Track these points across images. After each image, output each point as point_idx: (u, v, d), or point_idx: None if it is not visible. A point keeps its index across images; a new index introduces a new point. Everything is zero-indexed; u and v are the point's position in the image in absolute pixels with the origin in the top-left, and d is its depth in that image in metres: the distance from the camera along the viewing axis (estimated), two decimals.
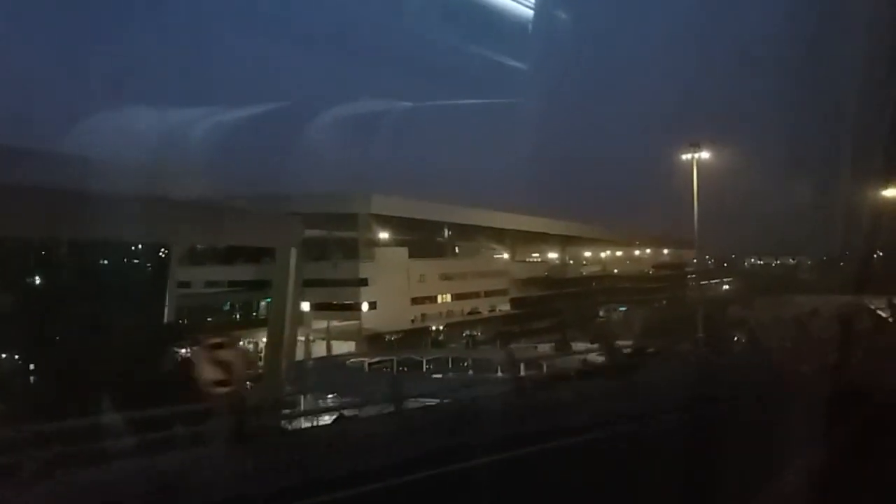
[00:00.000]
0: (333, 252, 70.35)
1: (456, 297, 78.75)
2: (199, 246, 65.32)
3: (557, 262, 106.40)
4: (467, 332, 68.75)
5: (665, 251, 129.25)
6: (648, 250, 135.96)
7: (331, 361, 53.26)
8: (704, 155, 58.07)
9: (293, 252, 40.94)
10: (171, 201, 38.15)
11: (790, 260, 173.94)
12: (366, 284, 66.62)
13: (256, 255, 74.26)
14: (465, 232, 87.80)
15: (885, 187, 74.80)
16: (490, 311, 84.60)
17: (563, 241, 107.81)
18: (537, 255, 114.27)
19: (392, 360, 55.53)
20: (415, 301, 72.38)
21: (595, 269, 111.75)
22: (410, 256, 73.37)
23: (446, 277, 77.88)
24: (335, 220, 72.62)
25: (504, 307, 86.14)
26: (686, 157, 57.96)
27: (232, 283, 70.73)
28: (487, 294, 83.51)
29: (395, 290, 68.40)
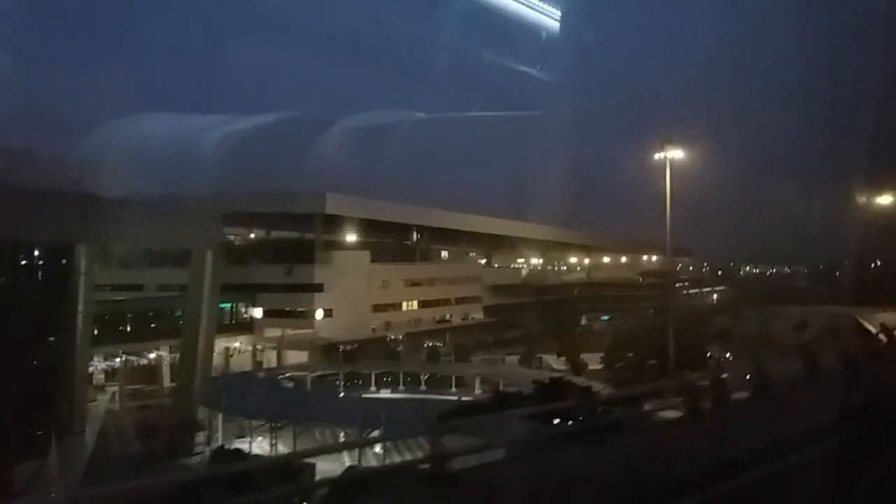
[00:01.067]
0: (287, 255, 66.09)
1: (424, 304, 74.22)
2: (102, 245, 60.84)
3: (538, 268, 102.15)
4: (429, 343, 64.12)
5: (654, 258, 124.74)
6: (645, 257, 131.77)
7: (258, 376, 48.62)
8: (678, 154, 53.88)
9: (209, 255, 36.64)
10: (71, 195, 33.96)
11: (785, 268, 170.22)
12: (321, 290, 62.12)
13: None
14: (439, 236, 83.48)
15: (880, 195, 70.48)
16: (463, 319, 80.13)
17: (546, 247, 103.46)
18: (522, 260, 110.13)
19: (337, 375, 51.15)
20: (377, 308, 67.84)
21: (579, 275, 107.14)
22: (374, 261, 68.89)
23: (413, 283, 73.37)
24: (288, 220, 68.40)
25: (478, 315, 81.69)
26: (658, 156, 53.77)
27: (161, 287, 66.58)
28: (459, 301, 78.98)
29: (354, 297, 63.89)
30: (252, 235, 73.27)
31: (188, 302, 39.15)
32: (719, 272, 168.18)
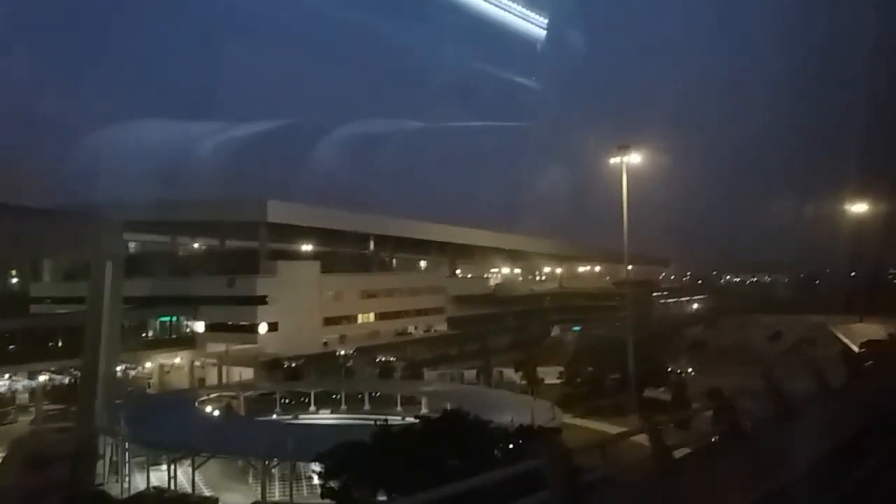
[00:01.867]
0: (232, 265, 62.43)
1: (382, 316, 70.55)
2: None
3: (514, 278, 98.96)
4: (381, 358, 60.47)
5: (631, 267, 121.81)
6: (631, 266, 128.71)
7: (169, 399, 44.69)
8: (635, 159, 50.93)
9: (109, 266, 33.02)
10: None
11: (766, 277, 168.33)
12: (264, 302, 58.35)
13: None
14: (402, 246, 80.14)
15: (858, 204, 68.09)
16: (425, 331, 76.61)
17: (518, 257, 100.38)
18: (496, 270, 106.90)
19: (273, 395, 47.30)
20: (329, 321, 64.10)
21: (552, 285, 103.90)
22: (327, 271, 65.23)
23: (370, 294, 69.70)
24: (233, 230, 64.80)
25: (441, 327, 78.19)
26: (615, 161, 50.80)
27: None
28: (421, 313, 75.39)
29: (302, 309, 60.18)
30: (196, 245, 69.49)
31: (88, 317, 35.37)
32: (699, 281, 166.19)
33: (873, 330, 64.33)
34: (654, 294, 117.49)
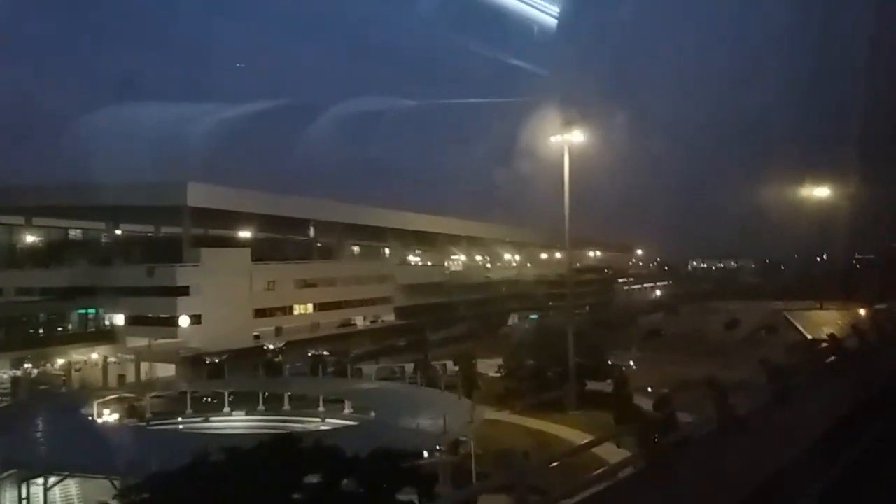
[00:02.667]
0: (156, 254, 58.09)
1: (322, 307, 66.59)
2: None
3: (466, 265, 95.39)
4: (311, 352, 56.60)
5: (595, 254, 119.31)
6: (598, 253, 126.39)
7: (57, 404, 40.32)
8: (578, 138, 47.22)
9: None
10: None
11: (732, 263, 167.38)
12: (186, 293, 54.06)
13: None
14: (350, 233, 76.09)
15: (827, 189, 66.00)
16: (372, 322, 73.00)
17: (477, 244, 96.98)
18: (460, 257, 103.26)
19: (182, 397, 43.23)
20: (260, 313, 60.08)
21: (512, 273, 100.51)
22: (260, 259, 61.08)
23: (308, 284, 65.65)
24: (152, 215, 60.40)
25: (390, 318, 74.58)
26: (555, 139, 47.08)
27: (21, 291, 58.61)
28: (366, 303, 71.59)
29: (229, 301, 56.03)
30: (118, 232, 64.76)
31: None
32: (666, 267, 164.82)
33: (832, 317, 62.50)
34: (618, 281, 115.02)
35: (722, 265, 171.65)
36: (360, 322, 72.24)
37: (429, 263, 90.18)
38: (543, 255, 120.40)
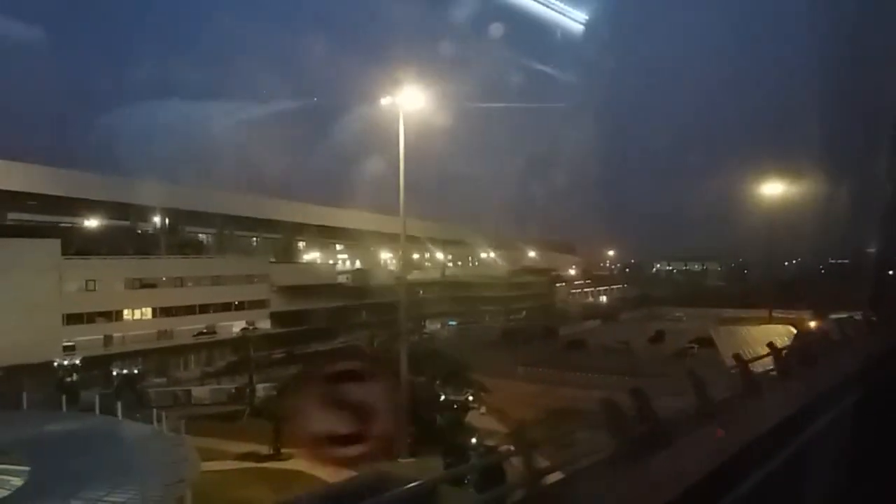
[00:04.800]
0: None
1: (168, 311, 56.01)
2: None
3: (373, 265, 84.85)
4: (117, 371, 45.96)
5: (533, 255, 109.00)
6: (532, 253, 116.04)
7: None
8: (411, 103, 35.95)
9: None
10: None
11: (695, 266, 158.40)
12: None
13: None
14: (215, 223, 65.63)
15: (796, 191, 58.57)
16: (242, 330, 62.33)
17: (387, 240, 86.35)
18: (381, 256, 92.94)
19: None
20: (75, 319, 49.37)
21: (434, 274, 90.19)
22: (79, 253, 50.48)
23: (145, 284, 54.92)
24: None
25: (264, 325, 64.04)
26: (386, 102, 36.28)
27: None
28: (228, 308, 61.00)
29: (26, 302, 45.37)
30: None
31: None
32: (627, 270, 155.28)
33: (769, 331, 52.68)
34: (559, 284, 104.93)
35: (686, 268, 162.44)
36: (235, 329, 61.75)
37: (316, 261, 79.53)
38: (483, 255, 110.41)
